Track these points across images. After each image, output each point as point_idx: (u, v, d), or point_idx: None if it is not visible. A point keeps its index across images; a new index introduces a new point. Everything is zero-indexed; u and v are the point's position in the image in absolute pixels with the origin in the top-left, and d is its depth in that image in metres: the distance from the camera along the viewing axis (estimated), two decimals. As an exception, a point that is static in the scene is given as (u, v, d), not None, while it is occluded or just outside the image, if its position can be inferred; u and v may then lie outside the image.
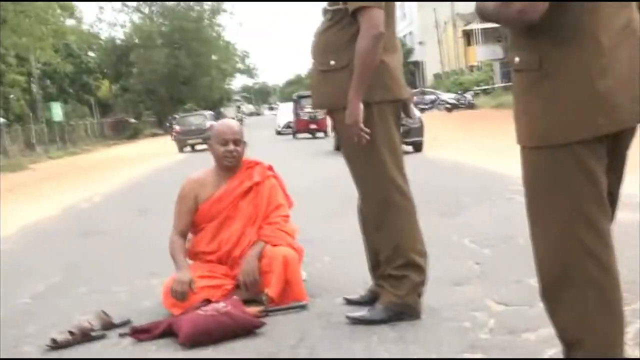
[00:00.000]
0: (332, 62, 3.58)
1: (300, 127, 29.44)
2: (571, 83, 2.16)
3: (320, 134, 28.00)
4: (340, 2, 3.52)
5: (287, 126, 33.30)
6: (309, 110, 26.66)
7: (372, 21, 3.40)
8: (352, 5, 3.42)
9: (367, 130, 3.43)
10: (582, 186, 2.20)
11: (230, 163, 4.30)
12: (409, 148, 15.73)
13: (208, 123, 28.29)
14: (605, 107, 2.15)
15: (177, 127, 31.44)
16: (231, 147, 4.25)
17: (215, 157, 4.35)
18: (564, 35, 2.15)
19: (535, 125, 2.25)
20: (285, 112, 35.61)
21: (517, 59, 2.26)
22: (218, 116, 36.03)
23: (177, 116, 39.73)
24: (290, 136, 31.26)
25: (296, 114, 29.71)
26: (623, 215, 2.52)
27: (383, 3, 3.45)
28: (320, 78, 3.70)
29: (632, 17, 2.23)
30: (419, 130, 16.13)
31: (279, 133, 33.90)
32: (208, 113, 35.90)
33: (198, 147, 28.21)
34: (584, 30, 2.15)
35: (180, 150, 29.15)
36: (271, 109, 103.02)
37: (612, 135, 2.22)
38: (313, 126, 28.40)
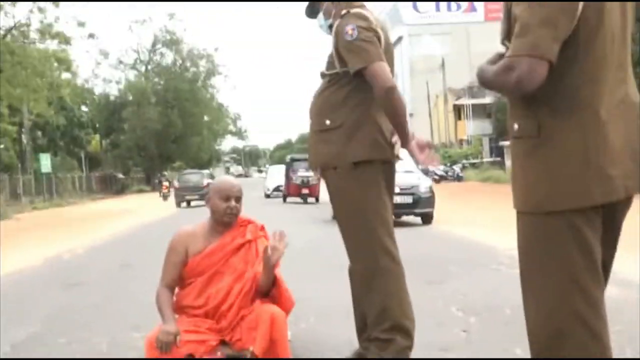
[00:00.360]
0: (328, 122, 3.66)
1: (291, 191, 27.96)
2: (568, 152, 2.19)
3: (312, 200, 27.08)
4: (338, 67, 3.61)
5: (277, 189, 32.40)
6: (302, 174, 26.29)
7: (377, 77, 3.46)
8: (353, 67, 3.50)
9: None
10: (577, 255, 2.21)
11: (230, 219, 4.25)
12: (417, 220, 15.24)
13: (205, 181, 30.13)
14: (600, 178, 2.18)
15: (176, 184, 32.88)
16: (233, 203, 4.21)
17: (215, 212, 4.28)
18: (562, 105, 2.19)
19: (531, 191, 2.27)
20: (274, 175, 34.82)
21: (516, 126, 2.29)
22: (213, 176, 36.64)
23: (166, 174, 40.59)
24: (280, 200, 29.99)
25: (288, 177, 28.59)
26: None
27: (383, 56, 3.53)
28: (317, 138, 3.76)
29: (628, 92, 2.29)
30: (429, 201, 14.98)
31: (267, 196, 32.83)
32: (205, 172, 37.60)
33: (193, 203, 29.84)
34: (583, 102, 2.19)
35: (178, 205, 30.01)
36: (260, 171, 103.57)
37: (608, 206, 2.24)
38: (305, 191, 27.24)
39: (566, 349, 2.21)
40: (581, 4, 2.13)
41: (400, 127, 3.57)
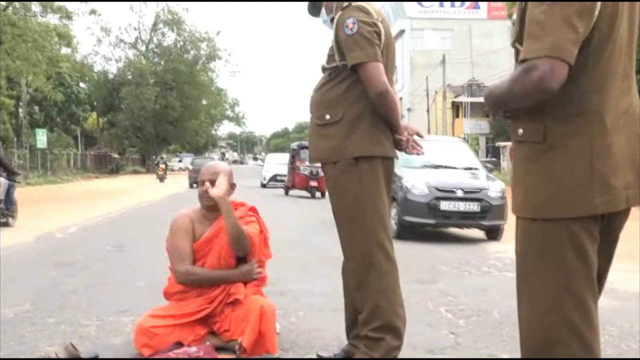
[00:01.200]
0: (328, 117, 3.67)
1: (296, 183, 23.82)
2: (573, 159, 2.19)
3: (319, 195, 22.88)
4: (337, 60, 3.63)
5: (274, 179, 30.79)
6: (312, 164, 20.75)
7: (371, 78, 3.52)
8: (350, 62, 3.54)
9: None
10: (573, 263, 2.21)
11: (207, 202, 4.26)
12: (480, 234, 11.50)
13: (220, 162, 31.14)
14: (602, 187, 2.18)
15: (190, 167, 36.37)
16: (205, 187, 4.22)
17: (199, 197, 4.36)
18: (569, 111, 2.19)
19: (531, 197, 2.27)
20: (272, 164, 33.03)
21: (520, 131, 2.29)
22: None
23: (164, 157, 41.19)
24: (278, 190, 27.18)
25: (293, 167, 24.80)
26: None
27: (380, 57, 3.56)
28: (317, 132, 3.76)
29: (633, 102, 2.30)
30: (501, 210, 10.81)
31: (264, 186, 31.02)
32: (217, 157, 38.56)
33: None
34: (590, 109, 2.19)
35: (191, 186, 30.66)
36: (255, 159, 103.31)
37: (607, 216, 2.25)
38: (313, 183, 23.04)
39: (556, 357, 2.22)
40: (597, 10, 2.13)
41: (394, 127, 3.65)
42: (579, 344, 2.21)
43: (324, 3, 3.85)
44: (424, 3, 61.53)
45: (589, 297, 2.24)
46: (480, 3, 60.70)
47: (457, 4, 61.53)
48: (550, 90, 2.10)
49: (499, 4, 51.72)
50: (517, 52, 2.26)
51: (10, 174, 13.79)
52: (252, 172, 44.37)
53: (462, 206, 10.56)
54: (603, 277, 2.38)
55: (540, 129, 2.23)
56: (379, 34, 3.60)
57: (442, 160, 11.78)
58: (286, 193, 24.77)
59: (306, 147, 27.25)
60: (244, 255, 4.20)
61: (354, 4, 3.65)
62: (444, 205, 10.53)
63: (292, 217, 14.46)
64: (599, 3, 2.12)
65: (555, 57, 2.08)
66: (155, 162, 46.06)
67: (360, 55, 3.52)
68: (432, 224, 10.77)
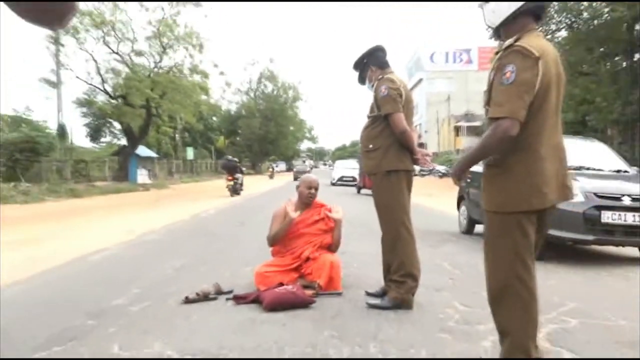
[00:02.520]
0: (371, 146, 3.79)
1: (366, 183, 18.42)
2: (518, 177, 2.24)
3: None
4: (376, 111, 3.76)
5: (340, 179, 27.89)
6: None
7: (396, 124, 3.64)
8: (383, 112, 3.67)
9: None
10: (519, 238, 2.26)
11: (309, 201, 4.45)
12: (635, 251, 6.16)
13: (308, 168, 35.77)
14: (537, 194, 2.23)
15: (294, 169, 38.46)
16: (312, 191, 4.44)
17: (301, 195, 4.46)
18: (517, 147, 2.24)
19: (494, 198, 2.32)
20: (340, 168, 29.69)
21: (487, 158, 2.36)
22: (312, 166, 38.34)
23: (275, 164, 43.20)
24: (348, 189, 23.47)
25: (363, 171, 19.07)
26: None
27: (402, 109, 3.67)
28: (365, 155, 3.88)
29: (559, 140, 2.33)
30: None
31: (333, 184, 28.08)
32: (308, 162, 39.37)
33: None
34: (530, 147, 2.24)
35: (295, 179, 30.77)
36: (324, 164, 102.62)
37: (540, 210, 2.30)
38: None
39: (509, 296, 2.27)
40: (536, 87, 2.17)
41: (412, 151, 3.72)
42: (523, 287, 2.26)
43: (367, 76, 3.97)
44: (435, 60, 60.35)
45: (529, 260, 2.28)
46: (472, 58, 59.21)
47: (457, 60, 60.17)
48: (510, 137, 2.16)
49: (486, 59, 50.27)
50: (487, 111, 2.29)
51: (240, 172, 18.58)
52: (323, 173, 43.86)
53: (629, 218, 5.37)
54: (537, 246, 2.40)
55: (498, 158, 2.28)
56: (401, 95, 3.70)
57: (583, 161, 6.39)
58: (358, 191, 20.46)
59: None
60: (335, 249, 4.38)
61: (385, 76, 3.77)
62: (606, 217, 5.42)
63: (355, 207, 14.31)
64: (537, 81, 2.17)
65: (512, 117, 2.15)
66: (270, 168, 46.72)
67: (389, 108, 3.64)
68: (589, 240, 5.53)
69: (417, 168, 4.06)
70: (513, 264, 2.26)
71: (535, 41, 2.23)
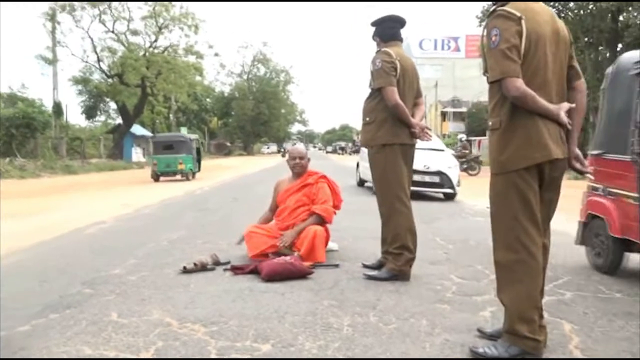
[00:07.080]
0: (367, 119, 3.70)
1: None
2: (517, 133, 2.18)
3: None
4: (372, 85, 3.65)
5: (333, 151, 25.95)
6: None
7: (387, 97, 3.55)
8: (375, 86, 3.59)
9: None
10: (516, 203, 2.19)
11: (298, 170, 4.46)
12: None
13: (305, 149, 33.51)
14: (540, 147, 2.16)
15: (284, 149, 36.77)
16: (297, 161, 4.46)
17: (289, 167, 4.53)
18: (513, 110, 2.19)
19: (495, 160, 2.26)
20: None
21: (490, 123, 2.29)
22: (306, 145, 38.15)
23: (267, 146, 42.46)
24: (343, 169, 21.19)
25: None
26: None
27: (394, 82, 3.55)
28: (363, 128, 3.79)
29: (552, 101, 2.22)
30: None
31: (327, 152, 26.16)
32: (298, 144, 39.95)
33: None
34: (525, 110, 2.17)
35: (282, 155, 30.66)
36: (314, 146, 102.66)
37: (548, 168, 2.21)
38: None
39: (513, 259, 2.20)
40: (522, 43, 2.13)
41: (408, 124, 3.60)
42: (526, 252, 2.18)
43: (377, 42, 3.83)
44: (423, 47, 60.05)
45: (531, 225, 2.19)
46: (460, 46, 59.04)
47: (445, 47, 59.94)
48: (523, 91, 2.12)
49: (473, 47, 50.36)
50: (487, 78, 2.26)
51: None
52: (313, 154, 43.89)
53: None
54: (548, 218, 2.33)
55: (497, 122, 2.24)
56: (395, 69, 3.59)
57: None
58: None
59: None
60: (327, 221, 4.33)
61: (382, 49, 3.68)
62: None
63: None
64: (523, 39, 2.13)
65: (507, 77, 2.13)
66: (265, 147, 46.51)
67: (381, 82, 3.55)
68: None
69: None
70: (512, 228, 2.20)
71: (520, 4, 2.22)
